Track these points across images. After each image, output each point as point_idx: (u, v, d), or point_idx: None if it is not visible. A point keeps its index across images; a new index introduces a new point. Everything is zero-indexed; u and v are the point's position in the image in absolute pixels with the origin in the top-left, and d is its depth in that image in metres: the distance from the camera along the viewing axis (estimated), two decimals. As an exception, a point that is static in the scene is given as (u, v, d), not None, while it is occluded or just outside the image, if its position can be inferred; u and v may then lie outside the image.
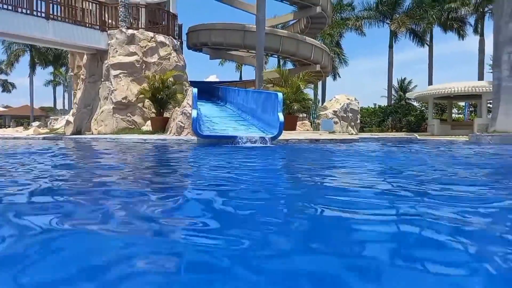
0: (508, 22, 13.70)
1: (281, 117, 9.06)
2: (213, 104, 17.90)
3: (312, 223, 1.80)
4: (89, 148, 8.73)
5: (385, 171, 4.06)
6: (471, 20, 30.78)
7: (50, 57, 40.82)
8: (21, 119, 42.66)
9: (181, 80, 15.04)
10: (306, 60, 22.87)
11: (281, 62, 32.07)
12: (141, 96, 13.61)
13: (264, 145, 8.46)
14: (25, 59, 40.84)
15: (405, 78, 42.64)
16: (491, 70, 21.23)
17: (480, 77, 28.71)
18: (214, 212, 2.00)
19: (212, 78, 28.97)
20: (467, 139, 14.55)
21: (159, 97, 13.16)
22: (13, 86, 50.43)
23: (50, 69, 44.57)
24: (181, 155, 6.56)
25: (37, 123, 23.64)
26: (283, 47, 21.88)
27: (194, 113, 8.57)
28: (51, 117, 25.83)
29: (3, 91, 49.96)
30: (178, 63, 15.67)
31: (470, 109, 33.58)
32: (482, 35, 29.20)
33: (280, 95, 9.46)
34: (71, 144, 10.55)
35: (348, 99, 20.10)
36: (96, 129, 14.82)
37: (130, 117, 14.72)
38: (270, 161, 5.36)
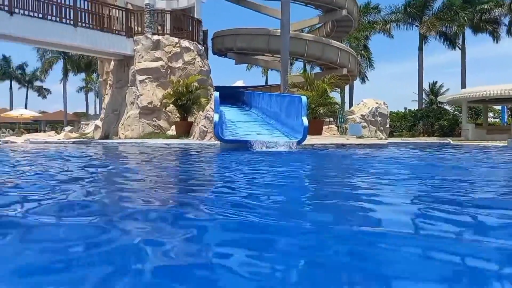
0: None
1: (305, 121, 8.77)
2: (238, 108, 17.78)
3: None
4: (113, 152, 8.74)
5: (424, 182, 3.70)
6: (505, 20, 29.41)
7: (82, 65, 42.09)
8: (55, 124, 44.16)
9: (205, 85, 15.02)
10: (332, 64, 22.42)
11: (307, 66, 31.67)
12: (165, 101, 13.65)
13: (288, 150, 8.19)
14: (59, 66, 42.36)
15: (436, 82, 41.27)
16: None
17: (517, 79, 27.29)
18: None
19: (239, 83, 28.98)
20: (506, 144, 13.73)
21: (183, 102, 13.14)
22: (49, 91, 52.39)
23: (82, 75, 46.04)
24: (201, 160, 6.39)
25: (69, 127, 24.30)
26: (308, 51, 21.54)
27: (216, 117, 8.42)
28: (82, 122, 26.53)
29: (39, 96, 52.04)
30: (202, 68, 15.67)
31: (510, 113, 31.95)
32: (518, 36, 27.83)
33: (304, 98, 9.18)
34: (98, 147, 10.65)
35: (376, 103, 19.50)
36: (123, 133, 14.99)
37: (156, 121, 14.81)
38: (291, 168, 5.08)
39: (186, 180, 3.67)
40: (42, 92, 51.73)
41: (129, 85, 15.32)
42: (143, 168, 4.83)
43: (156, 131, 14.55)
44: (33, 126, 43.44)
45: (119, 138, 14.87)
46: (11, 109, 42.35)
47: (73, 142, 13.85)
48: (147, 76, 14.88)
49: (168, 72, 15.19)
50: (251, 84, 29.10)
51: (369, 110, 18.84)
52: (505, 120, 31.31)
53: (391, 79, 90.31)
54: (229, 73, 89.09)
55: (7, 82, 49.20)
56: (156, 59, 15.09)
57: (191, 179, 3.76)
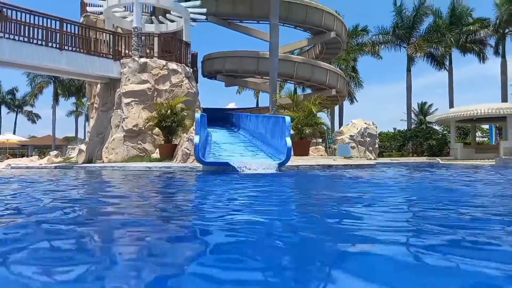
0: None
1: (288, 142, 8.61)
2: (227, 130, 17.68)
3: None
4: (85, 176, 8.48)
5: (410, 203, 3.53)
6: (491, 41, 30.02)
7: (73, 89, 42.05)
8: (43, 148, 43.67)
9: (193, 107, 14.90)
10: (321, 85, 22.59)
11: (298, 88, 31.89)
12: (149, 124, 13.48)
13: (270, 171, 7.99)
14: (49, 91, 42.26)
15: (425, 102, 41.85)
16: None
17: (504, 99, 27.64)
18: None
19: (231, 105, 29.09)
20: (494, 163, 13.66)
21: (167, 124, 12.98)
22: (38, 117, 52.05)
23: (73, 100, 45.92)
24: (176, 184, 6.16)
25: (55, 152, 23.90)
26: (298, 72, 21.70)
27: (196, 139, 8.23)
28: (68, 147, 26.18)
29: (28, 121, 51.63)
30: (190, 90, 15.60)
31: (498, 132, 32.22)
32: (503, 56, 28.34)
33: (287, 118, 9.06)
34: (72, 172, 10.36)
35: (365, 123, 19.52)
36: (107, 157, 14.71)
37: (141, 144, 14.57)
38: (268, 194, 4.86)
39: (137, 206, 3.45)
40: (32, 117, 51.40)
41: (114, 108, 15.16)
42: (100, 195, 4.60)
43: (141, 154, 14.30)
44: (20, 151, 42.89)
45: (103, 161, 14.59)
46: (-1, 134, 41.88)
47: (55, 167, 13.54)
48: (133, 99, 14.74)
49: (155, 94, 15.08)
50: (243, 105, 29.17)
51: (358, 131, 18.82)
52: (493, 139, 31.53)
53: (380, 100, 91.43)
54: (220, 96, 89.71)
55: (-4, 107, 48.93)
56: (143, 82, 15.00)
57: (143, 204, 3.53)
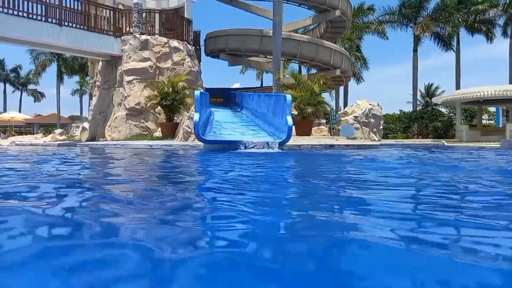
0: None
1: (289, 120, 8.51)
2: (230, 110, 17.58)
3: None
4: (89, 153, 8.47)
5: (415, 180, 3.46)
6: (500, 22, 29.27)
7: (76, 67, 41.83)
8: (49, 127, 43.81)
9: (195, 86, 14.76)
10: (326, 65, 22.22)
11: (302, 68, 31.47)
12: (151, 102, 13.39)
13: (271, 150, 7.93)
14: (53, 69, 42.06)
15: (432, 84, 41.21)
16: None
17: (511, 80, 27.17)
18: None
19: (237, 85, 28.86)
20: (499, 145, 13.49)
21: (168, 102, 12.88)
22: (43, 95, 52.00)
23: (77, 78, 45.74)
24: (176, 161, 6.12)
25: (59, 130, 23.99)
26: (301, 52, 21.33)
27: (196, 117, 8.15)
28: (73, 125, 26.24)
29: (34, 99, 51.66)
30: (192, 69, 15.43)
31: (505, 114, 31.77)
32: (512, 37, 27.70)
33: (288, 97, 8.93)
34: (76, 149, 10.37)
35: (370, 104, 19.26)
36: (109, 135, 14.71)
37: (144, 123, 14.54)
38: (271, 169, 4.80)
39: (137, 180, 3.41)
40: (37, 95, 51.39)
41: (116, 86, 15.06)
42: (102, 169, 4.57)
43: (143, 132, 14.29)
44: (26, 129, 43.07)
45: (106, 140, 14.60)
46: (4, 112, 41.99)
47: (59, 145, 13.56)
48: (134, 77, 14.62)
49: (157, 72, 14.94)
50: (248, 85, 28.92)
51: (362, 112, 18.60)
52: (500, 121, 31.14)
53: (386, 81, 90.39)
54: (224, 76, 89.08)
55: (1, 85, 48.87)
56: (144, 59, 14.84)
57: (143, 178, 3.50)
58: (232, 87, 27.07)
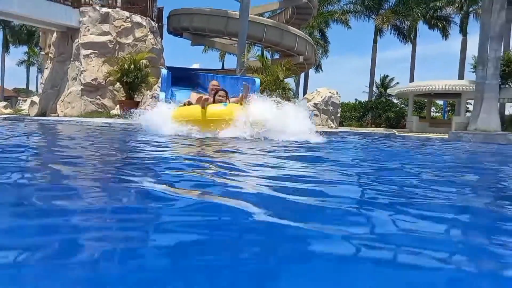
0: (497, 19, 13.49)
1: (256, 104, 8.50)
2: (192, 91, 17.24)
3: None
4: (46, 129, 8.00)
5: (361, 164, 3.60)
6: (456, 19, 30.83)
7: (24, 36, 38.99)
8: (-9, 99, 40.72)
9: (156, 64, 14.31)
10: (290, 51, 22.37)
11: (265, 52, 31.42)
12: (110, 78, 12.84)
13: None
14: (-2, 37, 38.87)
15: (387, 75, 42.81)
16: (473, 70, 21.27)
17: (461, 76, 28.85)
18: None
19: (195, 66, 28.11)
20: (447, 136, 14.39)
21: (129, 79, 12.42)
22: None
23: (24, 48, 42.65)
24: (127, 140, 5.92)
25: (3, 103, 22.40)
26: (267, 36, 21.28)
27: (162, 96, 7.95)
28: (19, 98, 24.59)
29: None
30: (155, 46, 14.93)
31: (448, 108, 33.88)
32: (465, 34, 29.30)
33: (257, 81, 8.93)
34: (25, 125, 9.76)
35: (330, 92, 19.74)
36: (62, 111, 13.98)
37: (100, 100, 13.94)
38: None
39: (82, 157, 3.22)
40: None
41: (72, 59, 14.26)
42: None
43: (99, 109, 13.71)
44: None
45: (57, 115, 13.86)
46: None
47: (5, 119, 12.68)
48: (92, 51, 13.91)
49: (117, 47, 14.30)
50: (208, 67, 28.37)
51: (322, 99, 19.04)
52: (445, 114, 33.19)
53: (344, 71, 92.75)
54: (185, 55, 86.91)
55: None
56: (104, 33, 14.14)
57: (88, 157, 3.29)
58: (191, 67, 26.45)
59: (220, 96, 6.32)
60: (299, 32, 23.24)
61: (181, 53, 74.69)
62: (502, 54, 15.72)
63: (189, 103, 6.28)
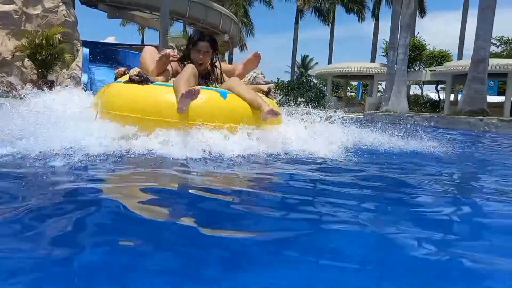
0: (407, 9, 14.69)
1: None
2: (110, 68, 16.21)
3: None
4: None
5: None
6: (370, 4, 32.79)
7: None
8: None
9: (71, 39, 13.09)
10: (214, 29, 21.99)
11: (187, 29, 30.49)
12: (18, 53, 11.51)
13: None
14: None
15: (307, 56, 44.47)
16: (384, 54, 23.09)
17: (373, 59, 31.07)
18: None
19: (111, 39, 26.27)
20: (362, 116, 15.60)
21: (42, 56, 11.26)
22: None
23: None
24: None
25: None
26: (191, 12, 20.63)
27: (84, 77, 7.40)
28: None
29: None
30: (68, 19, 13.60)
31: (363, 89, 36.55)
32: (377, 19, 31.40)
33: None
34: None
35: (255, 72, 19.97)
36: (-41, 90, 12.22)
37: (5, 77, 12.44)
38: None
39: None
40: None
41: (-33, 30, 12.42)
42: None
43: (5, 89, 12.26)
44: None
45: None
46: None
47: None
48: (-7, 21, 12.25)
49: (23, 19, 12.76)
50: (125, 41, 26.68)
51: (248, 79, 19.21)
52: (359, 94, 35.79)
53: (268, 50, 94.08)
54: (99, 27, 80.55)
55: None
56: (8, 2, 12.49)
57: None
58: (105, 41, 24.61)
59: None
60: (224, 10, 22.94)
61: (96, 26, 69.05)
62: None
63: (133, 79, 3.00)
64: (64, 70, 10.63)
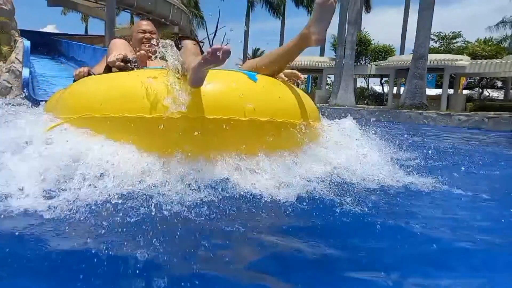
0: (354, 6, 15.25)
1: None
2: (52, 60, 15.37)
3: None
4: None
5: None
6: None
7: None
8: None
9: (7, 29, 12.15)
10: (164, 20, 21.45)
11: (134, 19, 29.42)
12: None
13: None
14: None
15: (258, 48, 44.65)
16: (332, 48, 23.83)
17: (322, 53, 31.92)
18: None
19: (51, 28, 24.95)
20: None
21: (-25, 47, 10.38)
22: None
23: None
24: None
25: None
26: (139, 2, 19.94)
27: (26, 72, 6.94)
28: None
29: None
30: (4, 7, 12.56)
31: (312, 81, 37.51)
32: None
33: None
34: None
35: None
36: None
37: None
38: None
39: None
40: None
41: None
42: None
43: None
44: None
45: None
46: None
47: None
48: None
49: (-50, 5, 11.65)
50: (67, 31, 25.31)
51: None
52: (309, 87, 36.76)
53: (219, 42, 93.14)
54: (38, 15, 75.40)
55: None
56: None
57: None
58: (44, 30, 23.22)
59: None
60: (174, 1, 22.41)
61: (34, 14, 64.44)
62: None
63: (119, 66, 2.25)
64: (1, 63, 9.87)
